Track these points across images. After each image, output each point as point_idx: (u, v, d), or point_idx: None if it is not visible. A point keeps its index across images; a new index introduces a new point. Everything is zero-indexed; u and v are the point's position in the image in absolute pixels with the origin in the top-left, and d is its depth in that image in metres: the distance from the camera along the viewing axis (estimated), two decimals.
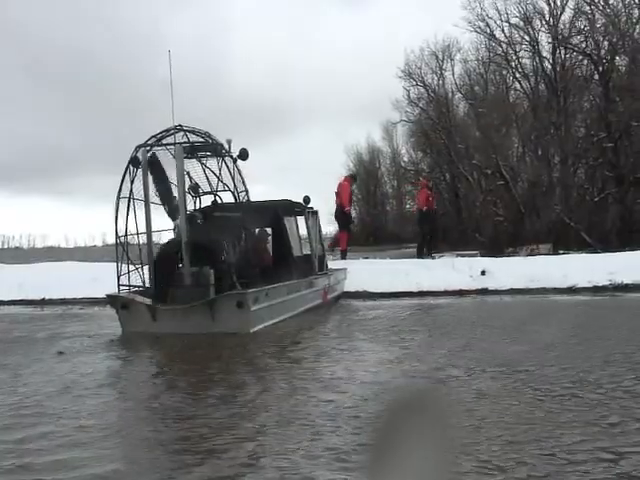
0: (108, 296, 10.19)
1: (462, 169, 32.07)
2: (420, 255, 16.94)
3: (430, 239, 17.97)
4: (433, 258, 16.68)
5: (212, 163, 10.61)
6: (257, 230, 12.15)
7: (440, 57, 35.02)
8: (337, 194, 18.05)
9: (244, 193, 10.05)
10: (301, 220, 12.82)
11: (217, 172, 10.51)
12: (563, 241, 22.49)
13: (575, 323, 9.43)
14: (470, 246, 24.19)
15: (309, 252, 12.66)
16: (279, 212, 11.76)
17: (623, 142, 25.03)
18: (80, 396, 5.81)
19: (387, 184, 49.00)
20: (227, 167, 10.08)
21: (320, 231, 13.43)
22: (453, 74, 34.96)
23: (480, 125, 30.27)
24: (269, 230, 12.14)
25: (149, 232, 10.19)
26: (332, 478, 3.71)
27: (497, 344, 7.71)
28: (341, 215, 17.91)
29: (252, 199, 11.53)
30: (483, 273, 14.31)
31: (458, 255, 18.41)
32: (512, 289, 13.48)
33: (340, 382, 5.99)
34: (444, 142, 33.48)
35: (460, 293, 13.66)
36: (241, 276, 9.71)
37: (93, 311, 13.01)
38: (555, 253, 17.56)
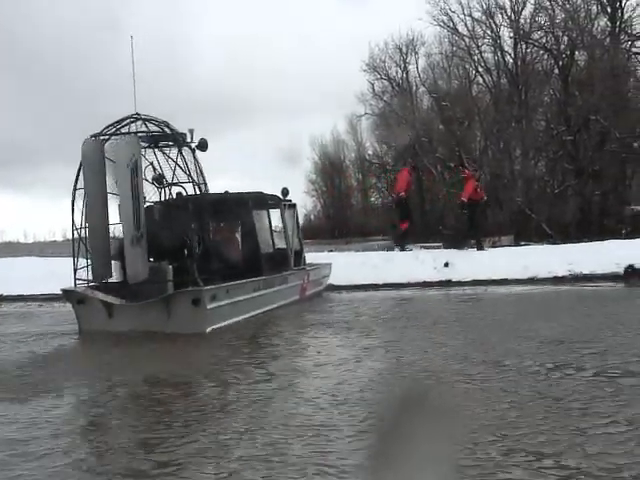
0: (63, 291, 9.69)
1: (426, 162, 32.35)
2: (479, 246, 16.56)
3: (477, 229, 17.73)
4: (482, 249, 16.38)
5: (173, 154, 10.09)
6: (224, 224, 11.81)
7: (404, 51, 35.26)
8: (396, 182, 18.27)
9: (203, 185, 9.80)
10: (277, 213, 12.19)
11: (178, 163, 9.96)
12: (524, 232, 22.89)
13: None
14: (434, 238, 24.44)
15: (284, 246, 12.06)
16: (248, 205, 11.21)
17: (582, 135, 25.56)
18: None
19: (352, 177, 49.12)
20: (184, 158, 9.73)
21: (298, 225, 12.92)
22: (417, 68, 35.25)
23: (443, 118, 30.60)
24: (237, 224, 11.68)
25: (106, 225, 9.63)
26: None
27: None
28: (398, 203, 18.05)
29: (220, 192, 11.39)
30: (446, 265, 14.50)
31: (422, 247, 18.62)
32: (475, 280, 13.69)
33: (277, 393, 5.54)
34: (408, 135, 33.72)
35: (424, 285, 13.84)
36: (205, 272, 9.40)
37: (41, 309, 12.73)
38: (516, 244, 17.85)
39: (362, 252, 18.35)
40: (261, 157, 51.25)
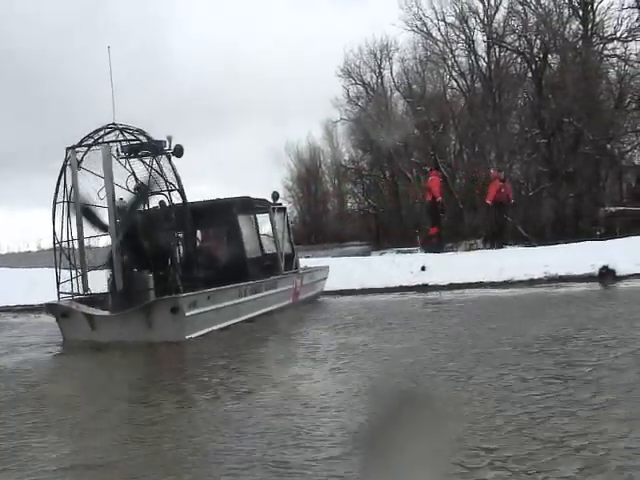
0: (47, 305, 9.80)
1: (402, 167, 32.35)
2: (500, 244, 16.43)
3: (501, 231, 17.69)
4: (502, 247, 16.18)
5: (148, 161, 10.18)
6: (209, 230, 11.75)
7: (378, 56, 35.23)
8: (428, 189, 18.32)
9: (180, 192, 9.76)
10: (266, 218, 12.09)
11: (157, 170, 9.98)
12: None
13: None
14: (410, 243, 24.39)
15: (274, 251, 11.97)
16: (233, 210, 11.09)
17: (556, 138, 25.70)
18: None
19: (328, 183, 49.01)
20: (160, 166, 9.72)
21: (289, 228, 12.80)
22: (391, 73, 35.23)
23: (418, 123, 30.60)
24: (222, 230, 11.60)
25: (80, 237, 9.79)
26: None
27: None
28: (432, 209, 18.09)
29: (210, 199, 11.33)
30: (423, 269, 14.43)
31: (399, 252, 18.57)
32: (451, 284, 13.63)
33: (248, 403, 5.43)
34: (383, 140, 33.70)
35: (401, 289, 13.76)
36: (189, 279, 9.38)
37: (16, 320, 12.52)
38: (492, 247, 17.84)
39: (339, 257, 18.26)
40: (236, 163, 50.99)
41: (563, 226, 22.47)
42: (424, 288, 13.72)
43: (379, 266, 15.01)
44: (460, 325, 8.84)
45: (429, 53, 31.33)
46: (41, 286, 10.45)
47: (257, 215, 11.94)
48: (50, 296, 9.87)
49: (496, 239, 16.97)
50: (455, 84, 31.39)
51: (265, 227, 12.07)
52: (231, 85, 55.09)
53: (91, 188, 9.75)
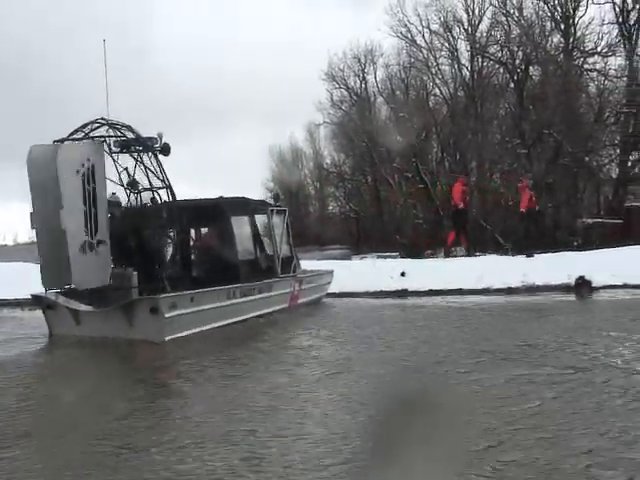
0: (33, 297, 9.76)
1: (384, 172, 32.55)
2: (527, 253, 16.49)
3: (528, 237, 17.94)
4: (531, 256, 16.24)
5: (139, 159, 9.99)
6: (200, 230, 11.66)
7: (363, 61, 35.41)
8: (452, 197, 18.65)
9: (168, 189, 9.73)
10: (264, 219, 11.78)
11: (149, 167, 9.89)
12: (479, 243, 23.14)
13: None
14: (391, 248, 24.58)
15: (271, 253, 11.67)
16: (226, 211, 10.86)
17: (536, 149, 26.06)
18: None
19: (310, 185, 49.08)
20: (151, 162, 9.68)
21: (289, 231, 12.49)
22: (375, 78, 35.42)
23: (401, 129, 30.83)
24: (214, 230, 11.49)
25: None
26: None
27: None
28: (454, 215, 18.39)
29: (212, 197, 11.21)
30: (403, 274, 14.59)
31: (379, 256, 18.72)
32: (430, 290, 13.80)
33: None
34: (366, 145, 33.90)
35: (381, 294, 13.89)
36: (178, 279, 9.36)
37: None
38: (472, 255, 18.07)
39: (320, 260, 18.32)
40: (216, 164, 50.75)
41: (541, 236, 22.78)
42: (403, 293, 13.88)
43: (359, 270, 15.15)
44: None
45: (413, 60, 31.60)
46: (19, 280, 10.37)
47: (255, 216, 11.65)
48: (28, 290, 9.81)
49: (526, 246, 17.17)
50: (438, 92, 31.68)
51: (263, 229, 11.81)
52: (216, 86, 54.94)
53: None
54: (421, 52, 30.88)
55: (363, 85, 36.08)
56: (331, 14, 56.21)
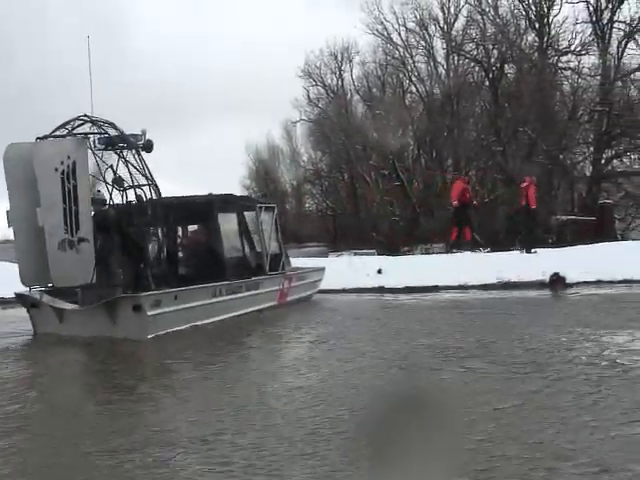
0: (17, 295, 9.63)
1: (360, 169, 32.61)
2: (528, 250, 16.49)
3: (531, 234, 18.04)
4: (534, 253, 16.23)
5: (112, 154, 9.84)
6: (186, 227, 11.54)
7: (339, 58, 35.45)
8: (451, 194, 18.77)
9: (152, 186, 9.63)
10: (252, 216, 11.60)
11: (134, 164, 9.69)
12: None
13: None
14: (368, 245, 24.64)
15: (259, 250, 11.51)
16: (212, 208, 10.69)
17: (511, 146, 26.30)
18: None
19: (287, 183, 49.02)
20: (136, 159, 9.58)
21: (277, 228, 12.32)
22: (352, 75, 35.50)
23: (377, 127, 30.91)
24: (201, 227, 11.35)
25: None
26: None
27: None
28: (456, 211, 18.51)
29: (198, 194, 11.07)
30: (379, 272, 14.61)
31: (356, 254, 18.73)
32: (407, 287, 13.83)
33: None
34: (343, 142, 33.95)
35: (358, 291, 13.89)
36: (163, 277, 9.32)
37: None
38: (448, 252, 18.17)
39: (297, 258, 18.28)
40: (194, 162, 50.47)
41: (516, 233, 22.98)
42: (380, 290, 13.89)
43: (336, 268, 15.12)
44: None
45: (389, 57, 31.73)
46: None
47: (243, 213, 11.53)
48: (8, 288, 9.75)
49: (527, 243, 17.33)
50: (414, 89, 31.84)
51: (251, 226, 11.65)
52: (193, 84, 54.61)
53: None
54: (397, 50, 31.04)
55: (340, 83, 36.15)
56: (310, 12, 56.18)
